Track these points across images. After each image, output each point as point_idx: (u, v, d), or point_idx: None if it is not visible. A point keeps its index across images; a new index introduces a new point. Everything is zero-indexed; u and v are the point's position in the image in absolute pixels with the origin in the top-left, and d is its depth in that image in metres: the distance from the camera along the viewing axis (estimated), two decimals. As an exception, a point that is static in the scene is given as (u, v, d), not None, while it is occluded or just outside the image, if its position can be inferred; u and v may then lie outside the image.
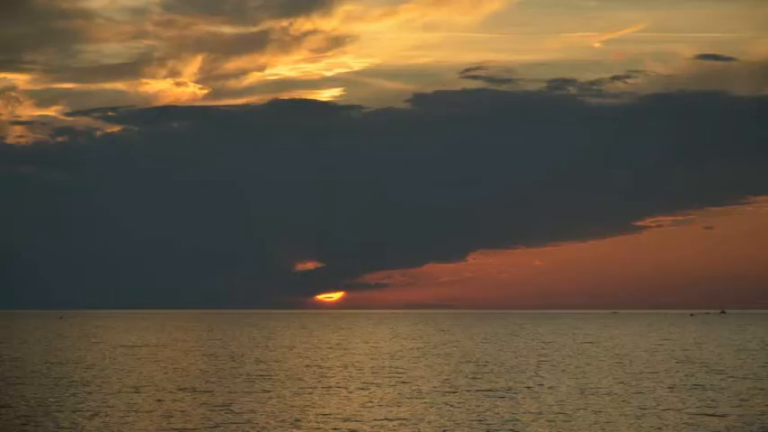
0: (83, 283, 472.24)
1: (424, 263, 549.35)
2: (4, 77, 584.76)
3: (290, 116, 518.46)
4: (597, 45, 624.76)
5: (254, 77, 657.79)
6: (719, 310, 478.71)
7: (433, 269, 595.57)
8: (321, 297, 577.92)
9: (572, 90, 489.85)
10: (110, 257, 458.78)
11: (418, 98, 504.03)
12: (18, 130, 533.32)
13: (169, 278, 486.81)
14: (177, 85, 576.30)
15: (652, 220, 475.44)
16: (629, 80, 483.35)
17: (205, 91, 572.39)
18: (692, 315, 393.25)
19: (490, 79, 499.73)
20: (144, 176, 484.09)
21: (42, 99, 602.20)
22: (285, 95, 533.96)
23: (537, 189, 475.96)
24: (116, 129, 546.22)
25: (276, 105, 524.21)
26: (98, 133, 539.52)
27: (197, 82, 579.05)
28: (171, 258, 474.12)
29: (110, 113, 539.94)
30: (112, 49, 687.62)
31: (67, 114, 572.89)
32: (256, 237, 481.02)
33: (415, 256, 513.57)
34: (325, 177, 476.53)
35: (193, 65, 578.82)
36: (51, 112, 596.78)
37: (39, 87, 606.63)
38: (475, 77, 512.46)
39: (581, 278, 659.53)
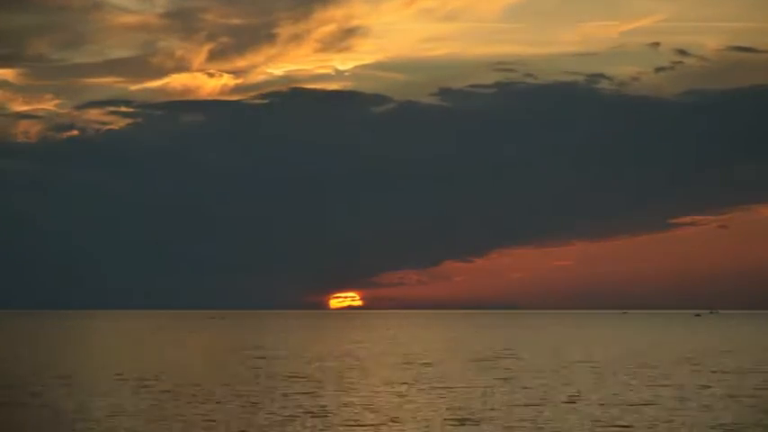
0: (92, 281, 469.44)
1: (441, 261, 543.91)
2: (8, 72, 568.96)
3: (307, 109, 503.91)
4: (615, 36, 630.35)
5: (266, 69, 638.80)
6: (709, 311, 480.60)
7: (450, 268, 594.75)
8: (334, 297, 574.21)
9: (604, 84, 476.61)
10: (117, 256, 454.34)
11: (445, 92, 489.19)
12: (23, 125, 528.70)
13: (172, 278, 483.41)
14: (187, 78, 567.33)
15: (687, 218, 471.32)
16: (658, 74, 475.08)
17: (216, 84, 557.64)
18: (697, 315, 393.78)
19: (521, 73, 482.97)
20: (154, 172, 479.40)
21: (47, 93, 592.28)
22: (299, 88, 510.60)
23: (568, 186, 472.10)
24: (124, 123, 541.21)
25: (292, 98, 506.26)
26: (105, 128, 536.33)
27: (207, 74, 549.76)
28: (176, 258, 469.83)
29: (123, 108, 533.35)
30: (119, 41, 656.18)
31: (75, 108, 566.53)
32: (267, 236, 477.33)
33: (432, 255, 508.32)
34: (340, 173, 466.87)
35: (203, 57, 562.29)
36: (55, 106, 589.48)
37: (42, 81, 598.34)
38: (505, 71, 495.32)
39: (601, 277, 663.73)
